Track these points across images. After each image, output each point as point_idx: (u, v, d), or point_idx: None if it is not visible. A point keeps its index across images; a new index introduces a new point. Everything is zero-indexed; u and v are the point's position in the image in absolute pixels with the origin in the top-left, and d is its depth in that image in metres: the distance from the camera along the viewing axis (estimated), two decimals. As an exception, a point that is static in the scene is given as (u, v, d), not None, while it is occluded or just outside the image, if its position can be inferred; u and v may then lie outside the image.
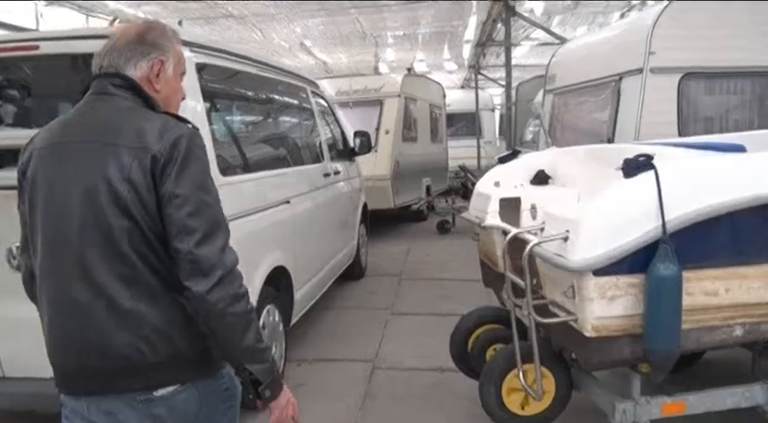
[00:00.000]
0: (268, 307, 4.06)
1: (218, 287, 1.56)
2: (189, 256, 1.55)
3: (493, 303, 4.38)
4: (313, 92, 6.28)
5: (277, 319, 4.23)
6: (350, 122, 8.10)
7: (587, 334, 2.63)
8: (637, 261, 2.57)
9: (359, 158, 7.38)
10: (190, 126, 1.68)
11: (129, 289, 1.58)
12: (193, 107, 3.44)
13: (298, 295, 4.72)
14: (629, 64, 5.35)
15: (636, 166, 2.60)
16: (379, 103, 10.49)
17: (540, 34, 13.46)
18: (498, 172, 4.20)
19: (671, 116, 5.13)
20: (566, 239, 2.65)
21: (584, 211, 2.65)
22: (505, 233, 3.57)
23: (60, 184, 1.61)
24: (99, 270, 1.57)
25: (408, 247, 9.47)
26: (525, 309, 2.84)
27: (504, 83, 18.74)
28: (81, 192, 1.58)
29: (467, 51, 16.56)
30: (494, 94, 19.82)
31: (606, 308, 2.61)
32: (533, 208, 3.80)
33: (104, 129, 1.62)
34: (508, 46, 9.44)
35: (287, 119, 5.74)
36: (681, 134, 5.04)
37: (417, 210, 11.65)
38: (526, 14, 10.21)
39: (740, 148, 2.80)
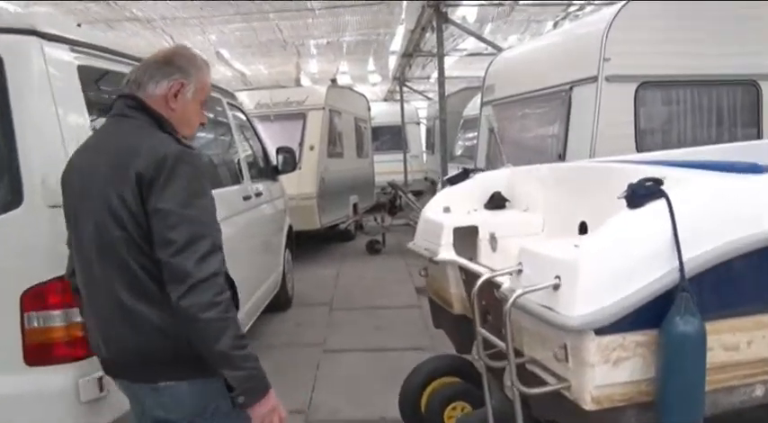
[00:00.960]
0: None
1: (190, 294, 1.67)
2: (167, 265, 1.70)
3: (434, 337, 3.83)
4: (229, 104, 5.62)
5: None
6: (271, 138, 7.55)
7: (586, 407, 2.08)
8: (647, 313, 2.02)
9: (282, 176, 6.80)
10: (181, 146, 1.81)
11: (132, 293, 1.77)
12: (75, 121, 2.74)
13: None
14: (580, 72, 4.91)
15: (643, 193, 2.06)
16: (302, 116, 9.96)
17: (467, 44, 13.14)
18: (447, 195, 3.69)
19: (628, 128, 4.72)
20: (556, 287, 2.08)
21: (580, 251, 2.09)
22: (465, 272, 3.01)
23: (81, 206, 1.87)
24: (111, 276, 1.79)
25: (338, 271, 8.91)
26: (507, 378, 2.25)
27: (429, 95, 18.67)
28: (93, 211, 1.80)
29: (392, 62, 16.16)
30: (419, 108, 19.55)
31: (609, 374, 2.06)
32: (493, 238, 3.29)
33: (116, 151, 1.80)
34: (441, 55, 8.95)
35: (199, 135, 5.02)
36: (638, 148, 4.64)
37: (345, 229, 11.17)
38: (458, 22, 9.76)
39: (757, 168, 2.31)
